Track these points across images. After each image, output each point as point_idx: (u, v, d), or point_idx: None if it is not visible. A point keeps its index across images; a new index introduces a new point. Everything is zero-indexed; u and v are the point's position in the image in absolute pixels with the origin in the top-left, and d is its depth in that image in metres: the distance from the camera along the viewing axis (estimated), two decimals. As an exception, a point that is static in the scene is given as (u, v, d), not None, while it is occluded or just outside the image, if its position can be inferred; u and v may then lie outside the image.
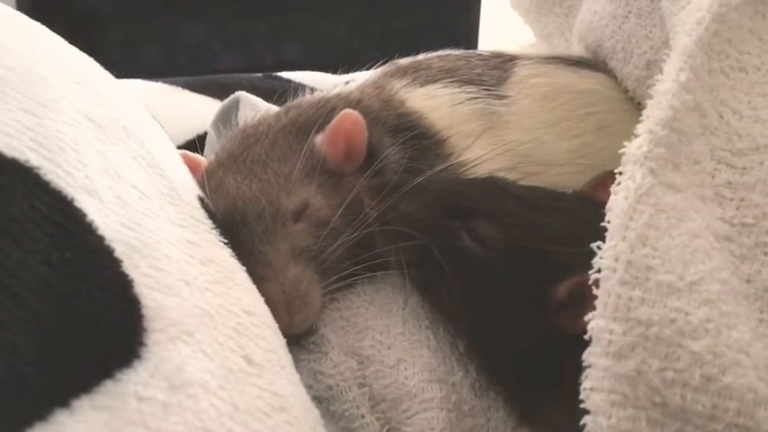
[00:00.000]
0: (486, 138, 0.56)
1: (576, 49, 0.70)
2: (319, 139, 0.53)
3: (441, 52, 0.65)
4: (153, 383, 0.30)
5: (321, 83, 0.88)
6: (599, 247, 0.36)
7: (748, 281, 0.39)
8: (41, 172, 0.32)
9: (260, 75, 1.00)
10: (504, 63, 0.62)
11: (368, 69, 0.67)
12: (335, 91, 0.60)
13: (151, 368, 0.31)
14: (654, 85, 0.42)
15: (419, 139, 0.54)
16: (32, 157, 0.32)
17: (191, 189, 0.45)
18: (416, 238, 0.45)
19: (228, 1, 1.57)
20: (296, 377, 0.40)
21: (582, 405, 0.34)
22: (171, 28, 1.57)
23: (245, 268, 0.43)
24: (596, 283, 0.36)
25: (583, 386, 0.35)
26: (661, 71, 0.43)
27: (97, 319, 0.30)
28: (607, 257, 0.36)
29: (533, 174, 0.53)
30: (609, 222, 0.37)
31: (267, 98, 0.73)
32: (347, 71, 0.88)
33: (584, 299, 0.37)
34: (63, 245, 0.31)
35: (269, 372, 0.37)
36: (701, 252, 0.37)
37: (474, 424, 0.44)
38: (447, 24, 1.67)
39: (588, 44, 0.66)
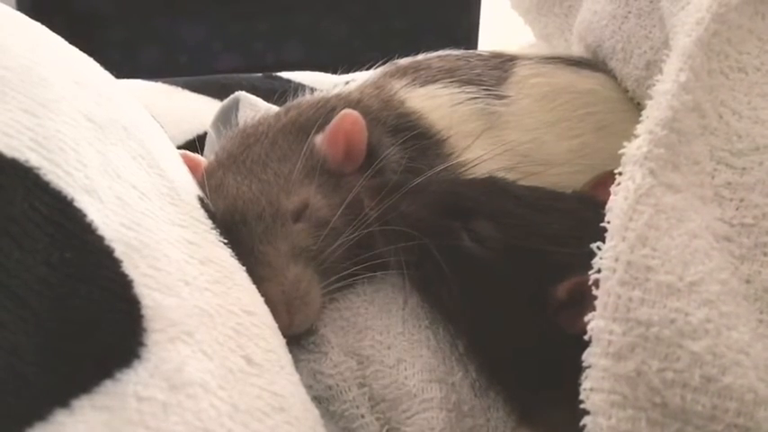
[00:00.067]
0: (485, 138, 0.56)
1: (576, 50, 0.70)
2: (319, 139, 0.53)
3: (441, 52, 0.65)
4: (153, 383, 0.30)
5: (321, 83, 0.88)
6: (599, 248, 0.36)
7: (748, 281, 0.39)
8: (41, 172, 0.32)
9: (260, 75, 1.00)
10: (503, 63, 0.62)
11: (368, 69, 0.67)
12: (335, 91, 0.60)
13: (151, 368, 0.31)
14: (653, 85, 0.42)
15: (419, 140, 0.54)
16: (32, 158, 0.32)
17: (190, 189, 0.45)
18: (416, 238, 0.45)
19: (228, 1, 1.57)
20: (296, 377, 0.40)
21: (582, 405, 0.34)
22: (171, 28, 1.57)
23: (244, 268, 0.43)
24: (596, 283, 0.36)
25: (583, 386, 0.35)
26: (661, 71, 0.43)
27: (97, 319, 0.30)
28: (607, 258, 0.36)
29: (533, 174, 0.53)
30: (609, 223, 0.37)
31: (267, 98, 0.73)
32: (347, 71, 0.88)
33: (583, 299, 0.37)
34: (63, 245, 0.31)
35: (269, 372, 0.37)
36: (700, 252, 0.37)
37: (474, 424, 0.44)
38: (447, 24, 1.67)
39: (588, 44, 0.66)
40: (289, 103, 0.59)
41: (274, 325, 0.42)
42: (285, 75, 1.01)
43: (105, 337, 0.30)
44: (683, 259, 0.36)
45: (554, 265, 0.41)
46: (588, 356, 0.35)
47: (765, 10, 0.46)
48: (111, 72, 0.48)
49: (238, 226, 0.48)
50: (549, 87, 0.60)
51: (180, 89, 0.92)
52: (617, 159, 0.39)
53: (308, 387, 0.44)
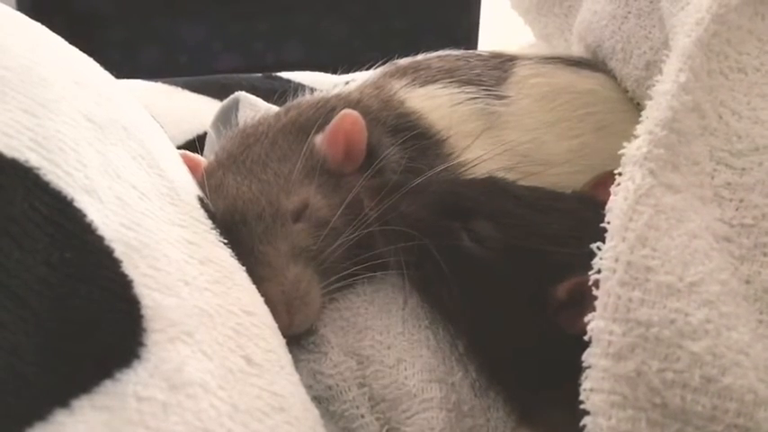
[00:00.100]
0: (485, 138, 0.56)
1: (576, 50, 0.70)
2: (319, 139, 0.53)
3: (440, 52, 0.65)
4: (152, 383, 0.30)
5: (321, 83, 0.88)
6: (599, 248, 0.36)
7: (748, 282, 0.39)
8: (41, 172, 0.32)
9: (260, 75, 1.00)
10: (503, 63, 0.62)
11: (368, 69, 0.67)
12: (335, 91, 0.60)
13: (151, 368, 0.31)
14: (653, 85, 0.42)
15: (419, 140, 0.54)
16: (32, 158, 0.32)
17: (190, 189, 0.45)
18: (416, 238, 0.45)
19: (228, 1, 1.57)
20: (296, 377, 0.40)
21: (582, 406, 0.34)
22: (171, 28, 1.57)
23: (244, 268, 0.43)
24: (596, 283, 0.36)
25: (582, 387, 0.35)
26: (660, 72, 0.43)
27: (97, 319, 0.30)
28: (607, 258, 0.36)
29: (533, 174, 0.53)
30: (608, 223, 0.37)
31: (267, 98, 0.73)
32: (347, 71, 0.88)
33: (583, 299, 0.37)
34: (63, 245, 0.31)
35: (269, 372, 0.37)
36: (700, 253, 0.37)
37: (474, 424, 0.44)
38: (447, 24, 1.67)
39: (588, 44, 0.66)
40: (289, 103, 0.59)
41: (274, 325, 0.42)
42: (285, 75, 1.01)
43: (105, 337, 0.30)
44: (683, 260, 0.36)
45: (554, 265, 0.41)
46: (588, 357, 0.35)
47: (765, 11, 0.46)
48: (111, 72, 0.48)
49: (238, 226, 0.48)
50: (549, 87, 0.60)
51: (180, 89, 0.92)
52: (617, 159, 0.39)
53: (308, 387, 0.44)
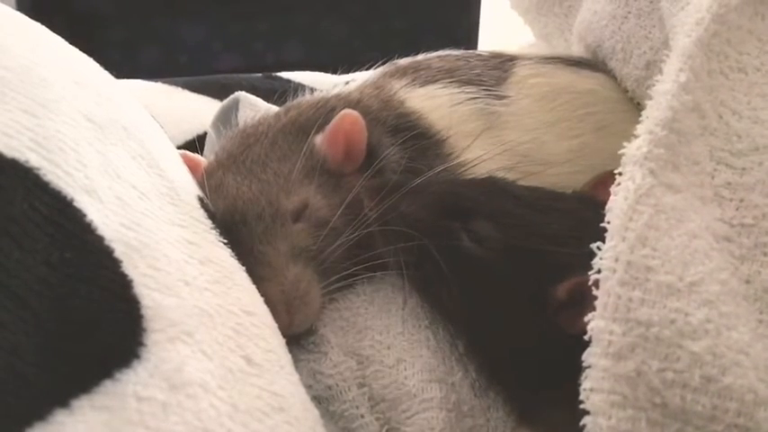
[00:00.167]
0: (485, 138, 0.56)
1: (576, 50, 0.70)
2: (319, 139, 0.53)
3: (440, 52, 0.65)
4: (152, 383, 0.30)
5: (321, 83, 0.88)
6: (599, 248, 0.36)
7: (748, 281, 0.39)
8: (41, 172, 0.32)
9: (260, 75, 1.00)
10: (503, 63, 0.62)
11: (368, 69, 0.67)
12: (335, 91, 0.60)
13: (150, 368, 0.31)
14: (653, 85, 0.42)
15: (418, 140, 0.54)
16: (32, 158, 0.32)
17: (190, 189, 0.45)
18: (416, 238, 0.45)
19: (228, 1, 1.57)
20: (295, 377, 0.40)
21: (582, 405, 0.34)
22: (171, 28, 1.57)
23: (244, 268, 0.43)
24: (596, 283, 0.36)
25: (582, 387, 0.35)
26: (660, 72, 0.43)
27: (97, 319, 0.30)
28: (607, 258, 0.36)
29: (532, 174, 0.53)
30: (609, 223, 0.37)
31: (267, 98, 0.73)
32: (347, 71, 0.88)
33: (583, 299, 0.37)
34: (63, 245, 0.31)
35: (268, 372, 0.37)
36: (700, 253, 0.37)
37: (474, 424, 0.44)
38: (447, 24, 1.67)
39: (588, 44, 0.66)
40: (288, 103, 0.59)
41: (274, 325, 0.42)
42: (285, 75, 1.01)
43: (105, 337, 0.30)
44: (683, 259, 0.36)
45: (554, 265, 0.41)
46: (588, 356, 0.35)
47: (765, 11, 0.46)
48: (111, 72, 0.48)
49: (238, 226, 0.48)
50: (549, 87, 0.60)
51: (180, 89, 0.92)
52: (617, 159, 0.39)
53: (308, 387, 0.44)
